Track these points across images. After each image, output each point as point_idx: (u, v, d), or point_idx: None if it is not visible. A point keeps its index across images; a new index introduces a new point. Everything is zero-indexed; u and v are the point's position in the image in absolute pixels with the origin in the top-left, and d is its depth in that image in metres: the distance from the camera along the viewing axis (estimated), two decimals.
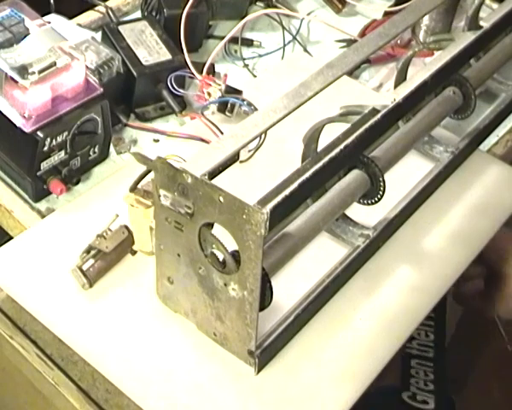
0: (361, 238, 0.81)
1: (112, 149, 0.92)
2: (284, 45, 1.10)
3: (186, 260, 0.70)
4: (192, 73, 0.96)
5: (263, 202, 0.65)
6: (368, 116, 0.77)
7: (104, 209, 0.81)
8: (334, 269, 0.78)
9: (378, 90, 1.06)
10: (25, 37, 0.83)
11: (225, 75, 1.02)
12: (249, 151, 0.88)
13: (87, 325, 0.74)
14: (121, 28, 0.98)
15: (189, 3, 1.00)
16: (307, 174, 0.69)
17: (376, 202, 0.80)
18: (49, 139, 0.82)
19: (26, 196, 0.87)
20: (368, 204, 0.80)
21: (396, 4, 1.14)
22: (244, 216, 0.63)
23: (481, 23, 0.93)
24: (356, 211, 0.82)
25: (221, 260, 0.68)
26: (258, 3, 1.16)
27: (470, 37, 0.89)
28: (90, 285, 0.76)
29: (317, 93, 0.75)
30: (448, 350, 0.99)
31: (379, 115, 0.77)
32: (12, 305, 0.77)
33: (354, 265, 0.80)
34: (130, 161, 0.90)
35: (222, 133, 0.90)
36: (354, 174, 0.79)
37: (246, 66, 1.07)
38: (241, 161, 0.84)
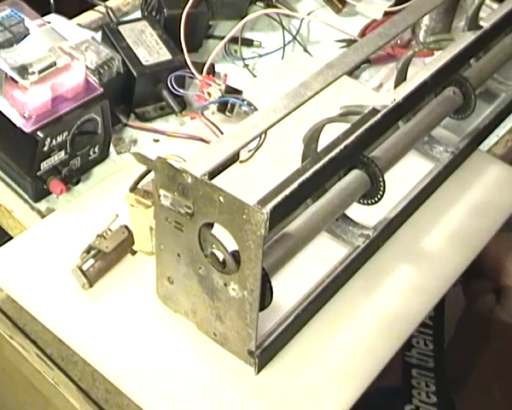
0: (361, 238, 0.81)
1: (112, 149, 0.92)
2: (284, 45, 1.10)
3: (186, 260, 0.70)
4: (192, 73, 0.96)
5: (263, 202, 0.65)
6: (368, 116, 0.77)
7: (104, 209, 0.81)
8: (334, 269, 0.78)
9: (378, 90, 1.06)
10: (25, 37, 0.83)
11: (225, 75, 1.02)
12: (249, 151, 0.88)
13: (87, 325, 0.74)
14: (121, 28, 0.98)
15: (189, 3, 1.00)
16: (307, 174, 0.69)
17: (376, 202, 0.80)
18: (49, 139, 0.82)
19: (26, 196, 0.87)
20: (368, 204, 0.80)
21: (396, 4, 1.14)
22: (244, 216, 0.63)
23: (481, 23, 0.93)
24: (356, 211, 0.82)
25: (221, 260, 0.68)
26: (258, 3, 1.16)
27: (470, 37, 0.89)
28: (90, 285, 0.76)
29: (317, 93, 0.75)
30: (448, 351, 0.99)
31: (379, 115, 0.77)
32: (12, 305, 0.77)
33: (354, 265, 0.80)
34: (130, 161, 0.90)
35: (222, 133, 0.90)
36: (354, 174, 0.79)
37: (246, 66, 1.07)
38: (241, 161, 0.84)
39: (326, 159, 0.72)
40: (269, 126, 0.72)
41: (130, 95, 0.96)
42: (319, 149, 0.76)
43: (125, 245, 0.78)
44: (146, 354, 0.72)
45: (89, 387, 0.73)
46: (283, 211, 0.67)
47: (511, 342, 0.97)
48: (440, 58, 0.85)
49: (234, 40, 1.07)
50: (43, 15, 0.92)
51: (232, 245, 0.66)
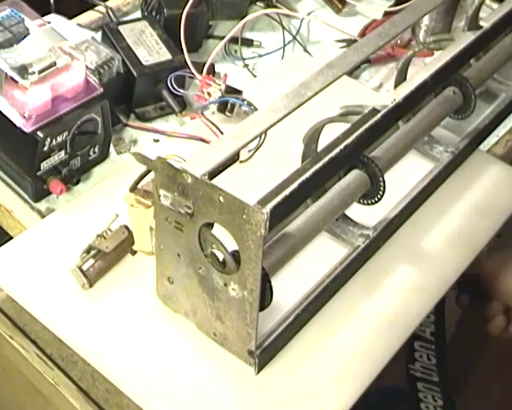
0: (361, 238, 0.81)
1: (112, 149, 0.92)
2: (284, 45, 1.10)
3: (186, 260, 0.70)
4: (192, 73, 0.96)
5: (263, 202, 0.65)
6: (368, 116, 0.77)
7: (104, 209, 0.81)
8: (334, 269, 0.78)
9: (378, 90, 1.06)
10: (25, 37, 0.83)
11: (225, 75, 1.02)
12: (249, 151, 0.88)
13: (87, 325, 0.74)
14: (121, 28, 0.98)
15: (189, 3, 1.00)
16: (307, 174, 0.69)
17: (376, 202, 0.80)
18: (49, 139, 0.82)
19: (26, 196, 0.87)
20: (368, 204, 0.80)
21: (396, 4, 1.14)
22: (244, 216, 0.63)
23: (481, 23, 0.93)
24: (356, 211, 0.82)
25: (221, 260, 0.68)
26: (258, 3, 1.16)
27: (470, 37, 0.89)
28: (90, 285, 0.76)
29: (317, 93, 0.75)
30: (448, 351, 0.99)
31: (379, 115, 0.77)
32: (12, 305, 0.77)
33: (354, 265, 0.80)
34: (130, 161, 0.90)
35: (222, 133, 0.90)
36: (354, 174, 0.79)
37: (246, 66, 1.07)
38: (241, 161, 0.84)
39: (326, 159, 0.72)
40: (269, 126, 0.72)
41: (130, 95, 0.96)
42: (319, 149, 0.76)
43: (125, 245, 0.78)
44: (146, 354, 0.72)
45: (89, 387, 0.73)
46: (283, 211, 0.67)
47: (511, 342, 0.97)
48: (440, 58, 0.85)
49: (234, 40, 1.07)
50: (43, 15, 0.92)
51: (232, 245, 0.66)
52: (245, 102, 0.93)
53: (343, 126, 0.76)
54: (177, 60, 0.96)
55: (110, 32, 0.97)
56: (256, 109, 0.91)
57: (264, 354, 0.71)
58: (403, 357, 0.97)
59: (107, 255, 0.77)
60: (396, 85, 0.89)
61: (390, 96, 0.79)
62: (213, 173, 0.66)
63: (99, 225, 0.78)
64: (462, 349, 1.05)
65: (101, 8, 1.09)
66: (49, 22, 0.89)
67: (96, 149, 0.89)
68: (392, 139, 0.84)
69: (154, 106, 0.97)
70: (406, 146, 0.86)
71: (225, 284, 0.68)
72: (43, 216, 0.85)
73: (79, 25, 1.05)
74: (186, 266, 0.71)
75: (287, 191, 0.67)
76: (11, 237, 0.84)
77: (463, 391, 1.03)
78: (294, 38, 1.12)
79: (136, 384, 0.70)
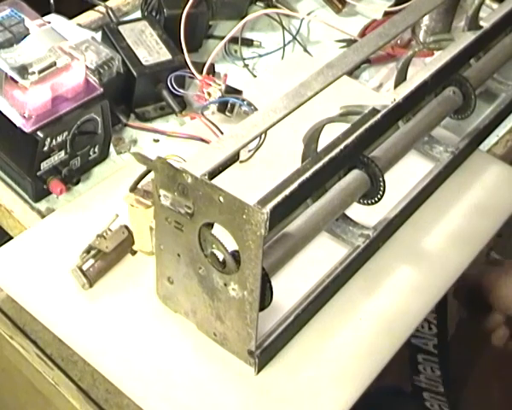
0: (361, 238, 0.81)
1: (112, 149, 0.92)
2: (284, 45, 1.10)
3: (186, 260, 0.70)
4: (192, 73, 0.96)
5: (263, 202, 0.65)
6: (368, 116, 0.77)
7: (104, 209, 0.81)
8: (334, 269, 0.78)
9: (378, 90, 1.06)
10: (25, 37, 0.83)
11: (225, 75, 1.02)
12: (249, 151, 0.88)
13: (87, 325, 0.74)
14: (121, 28, 0.98)
15: (189, 3, 1.00)
16: (307, 174, 0.69)
17: (376, 202, 0.80)
18: (49, 139, 0.82)
19: (26, 196, 0.87)
20: (368, 204, 0.80)
21: (396, 4, 1.14)
22: (244, 216, 0.63)
23: (481, 23, 0.93)
24: (356, 211, 0.82)
25: (221, 260, 0.68)
26: (258, 3, 1.16)
27: (470, 37, 0.89)
28: (90, 285, 0.76)
29: (317, 93, 0.75)
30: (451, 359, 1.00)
31: (379, 115, 0.77)
32: (12, 305, 0.77)
33: (354, 265, 0.80)
34: (130, 161, 0.90)
35: (222, 133, 0.90)
36: (354, 174, 0.79)
37: (246, 66, 1.07)
38: (241, 161, 0.84)
39: (326, 159, 0.72)
40: (269, 126, 0.72)
41: (130, 95, 0.96)
42: (319, 149, 0.76)
43: (125, 245, 0.78)
44: (146, 354, 0.72)
45: (89, 387, 0.73)
46: (283, 211, 0.67)
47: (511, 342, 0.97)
48: (440, 58, 0.85)
49: (234, 40, 1.07)
50: (43, 15, 0.92)
51: (232, 245, 0.66)
52: (245, 102, 0.93)
53: (343, 126, 0.76)
54: (177, 60, 0.96)
55: (110, 32, 0.97)
56: (256, 109, 0.91)
57: (264, 354, 0.71)
58: (407, 369, 0.97)
59: (107, 255, 0.77)
60: (396, 85, 0.89)
61: (390, 96, 0.79)
62: (213, 173, 0.66)
63: (99, 225, 0.78)
64: (462, 349, 1.05)
65: (101, 8, 1.09)
66: (49, 22, 0.89)
67: (96, 149, 0.89)
68: (392, 139, 0.84)
69: (154, 106, 0.97)
70: (406, 146, 0.86)
71: (225, 284, 0.68)
72: (43, 216, 0.85)
73: (79, 25, 1.05)
74: (186, 266, 0.71)
75: (287, 191, 0.67)
76: (11, 237, 0.84)
77: (463, 391, 1.03)
78: (294, 38, 1.12)
79: (136, 384, 0.70)
